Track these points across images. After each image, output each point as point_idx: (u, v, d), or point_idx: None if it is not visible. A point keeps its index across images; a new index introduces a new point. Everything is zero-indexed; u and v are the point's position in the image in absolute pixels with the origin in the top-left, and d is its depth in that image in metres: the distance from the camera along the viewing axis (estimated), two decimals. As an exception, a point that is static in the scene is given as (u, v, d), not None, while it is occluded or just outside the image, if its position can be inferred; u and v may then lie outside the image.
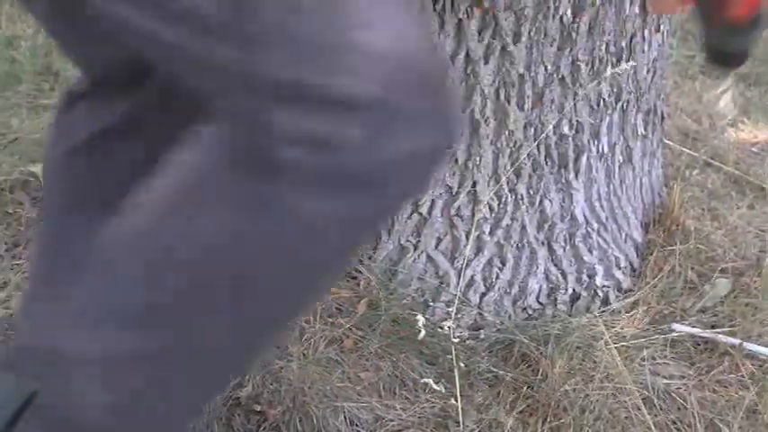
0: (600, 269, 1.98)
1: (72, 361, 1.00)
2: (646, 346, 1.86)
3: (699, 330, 1.90)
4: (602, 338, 1.84)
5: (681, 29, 3.66)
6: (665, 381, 1.80)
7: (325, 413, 1.65)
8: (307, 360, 1.74)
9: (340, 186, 0.87)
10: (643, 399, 1.76)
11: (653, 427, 1.71)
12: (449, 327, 1.81)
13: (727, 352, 1.87)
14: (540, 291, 1.94)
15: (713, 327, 1.93)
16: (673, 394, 1.78)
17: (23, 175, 2.20)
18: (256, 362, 1.66)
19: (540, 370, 1.77)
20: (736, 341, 1.88)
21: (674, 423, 1.73)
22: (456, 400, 1.68)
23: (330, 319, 1.83)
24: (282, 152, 0.85)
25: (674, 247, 2.08)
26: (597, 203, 1.98)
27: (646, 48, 1.95)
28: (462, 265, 1.90)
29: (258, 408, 1.66)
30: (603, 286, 1.97)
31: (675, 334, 1.90)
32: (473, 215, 1.88)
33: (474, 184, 1.87)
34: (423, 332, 1.76)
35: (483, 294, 1.92)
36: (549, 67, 1.80)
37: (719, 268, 2.08)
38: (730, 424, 1.72)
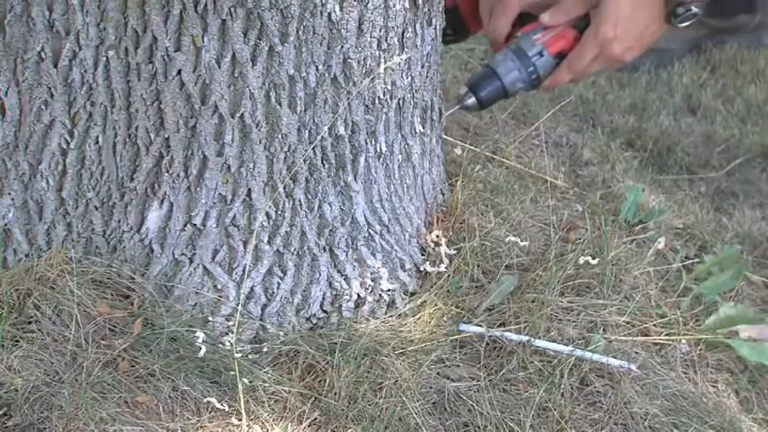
0: (384, 272, 1.94)
1: None
2: (434, 349, 1.85)
3: (486, 330, 1.89)
4: (389, 344, 1.82)
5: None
6: (455, 384, 1.79)
7: (100, 440, 1.58)
8: (79, 385, 1.66)
9: None
10: (433, 403, 1.75)
11: (445, 432, 1.70)
12: (230, 342, 1.77)
13: (515, 350, 1.86)
14: (323, 298, 1.90)
15: (501, 325, 1.93)
16: (463, 397, 1.77)
17: None
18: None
19: (327, 381, 1.74)
20: (524, 338, 1.88)
21: (466, 426, 1.73)
22: (240, 419, 1.64)
23: (103, 342, 1.75)
24: None
25: (458, 246, 2.05)
26: (378, 205, 1.96)
27: (419, 42, 1.94)
28: (241, 276, 1.85)
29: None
30: (389, 290, 1.95)
31: (463, 335, 1.89)
32: (250, 224, 1.84)
33: (249, 192, 1.82)
34: (203, 349, 1.73)
35: (264, 305, 1.87)
36: (319, 67, 1.77)
37: (505, 264, 2.07)
38: (522, 423, 1.73)
